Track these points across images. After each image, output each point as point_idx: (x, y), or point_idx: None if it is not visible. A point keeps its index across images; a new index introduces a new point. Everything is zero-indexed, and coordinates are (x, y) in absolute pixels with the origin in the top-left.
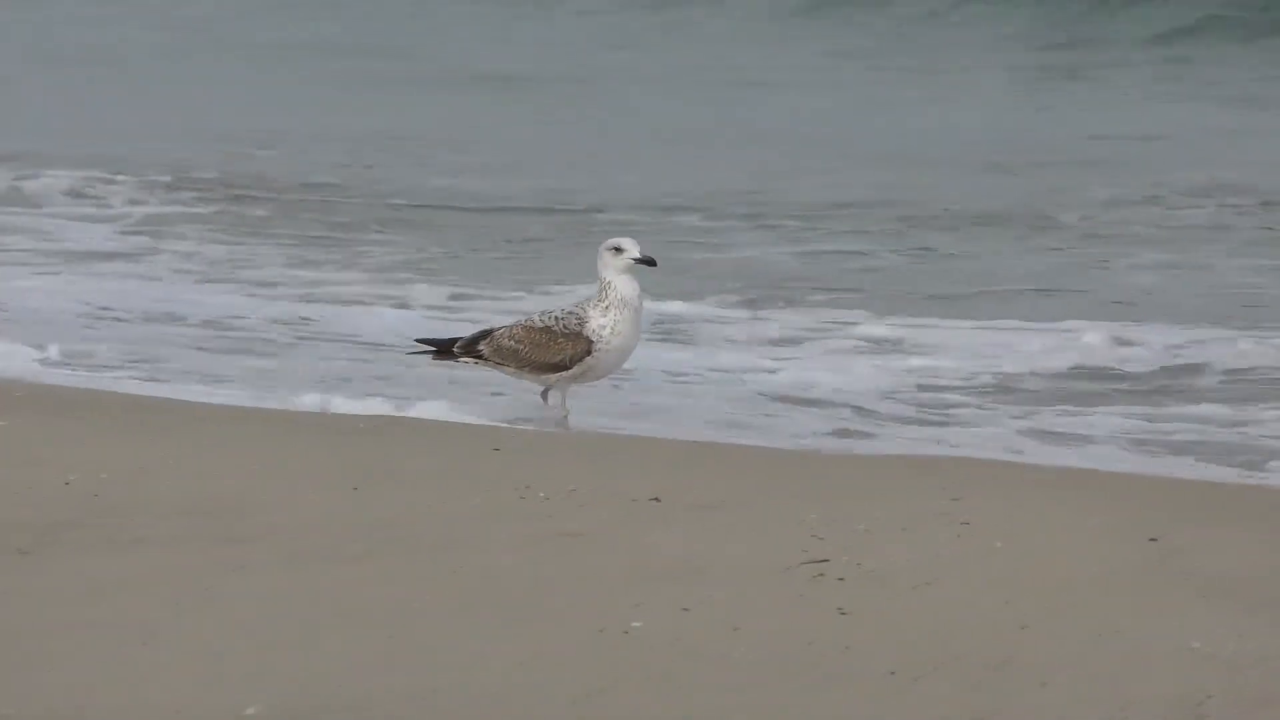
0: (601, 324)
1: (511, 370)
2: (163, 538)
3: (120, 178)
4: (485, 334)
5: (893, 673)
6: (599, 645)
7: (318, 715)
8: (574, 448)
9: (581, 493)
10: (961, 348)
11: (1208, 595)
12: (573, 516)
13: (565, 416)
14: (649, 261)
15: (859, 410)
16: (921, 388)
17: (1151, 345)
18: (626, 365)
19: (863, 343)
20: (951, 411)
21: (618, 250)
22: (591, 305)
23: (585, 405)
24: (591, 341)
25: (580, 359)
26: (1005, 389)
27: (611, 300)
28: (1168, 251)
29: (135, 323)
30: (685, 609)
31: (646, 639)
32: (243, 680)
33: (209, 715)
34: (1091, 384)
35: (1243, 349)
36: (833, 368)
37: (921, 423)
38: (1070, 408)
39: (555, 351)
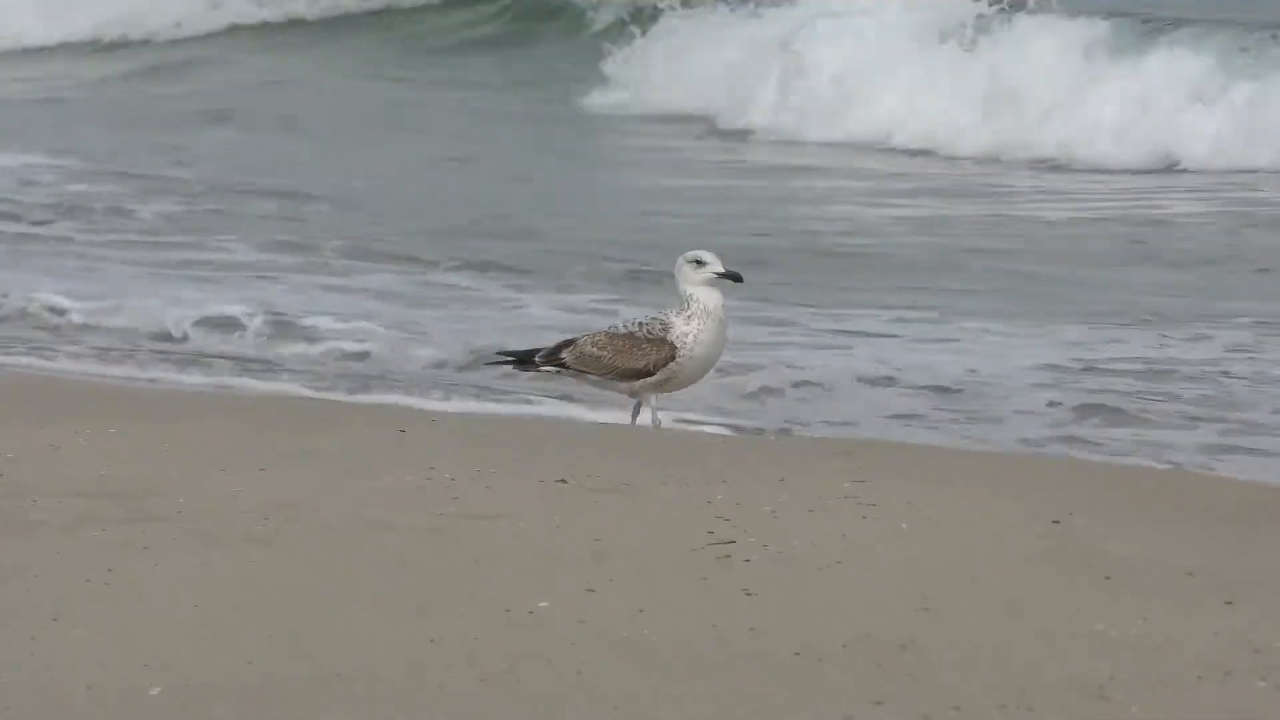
0: (685, 331)
1: (595, 378)
2: (68, 519)
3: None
4: (568, 342)
5: (798, 654)
6: (505, 626)
7: (222, 697)
8: (480, 430)
9: (488, 474)
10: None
11: (1112, 578)
12: (479, 498)
13: (658, 426)
14: (735, 277)
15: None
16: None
17: None
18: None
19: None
20: (864, 395)
21: (699, 264)
22: (675, 313)
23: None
24: (675, 347)
25: (664, 364)
26: (908, 372)
27: (695, 310)
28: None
29: None
30: (591, 590)
31: (552, 620)
32: (147, 661)
33: (113, 696)
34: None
35: (1145, 340)
36: None
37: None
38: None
39: (639, 357)
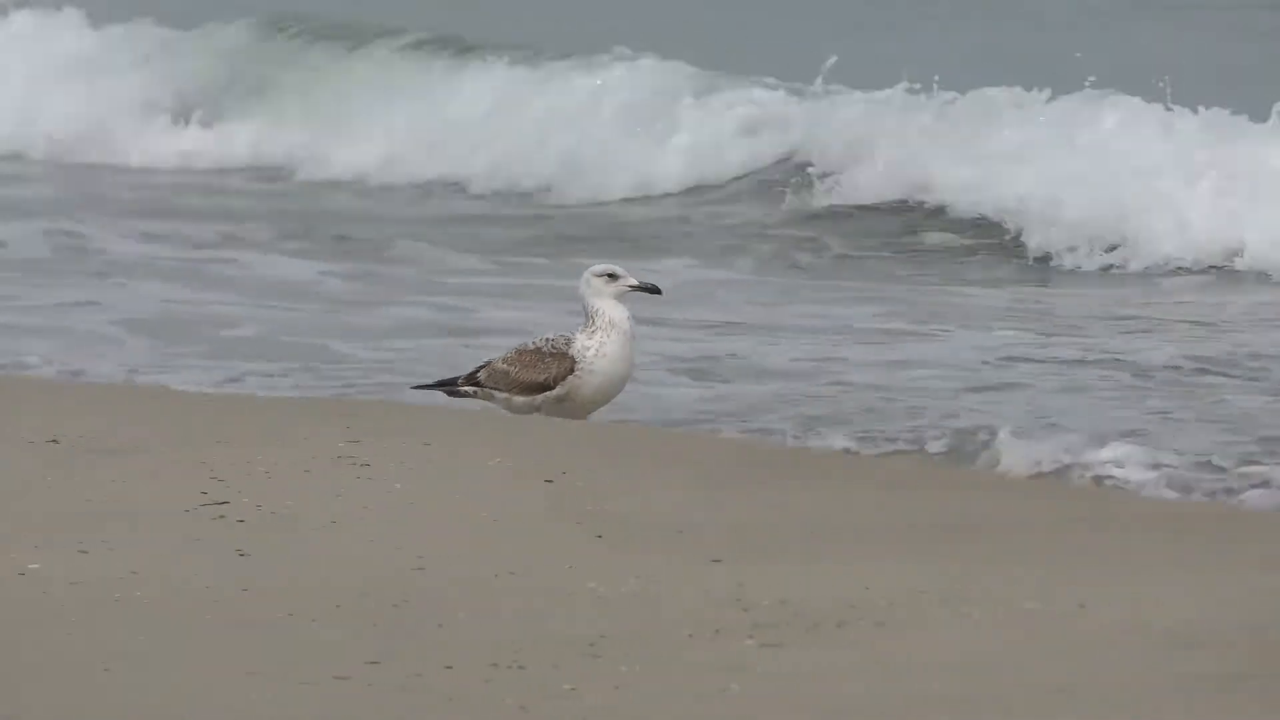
0: (587, 345)
1: (502, 395)
2: None
3: None
4: (486, 364)
5: (291, 614)
6: None
7: None
8: None
9: None
10: None
11: (604, 536)
12: None
13: None
14: (651, 289)
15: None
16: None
17: None
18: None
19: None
20: (362, 354)
21: (611, 277)
22: (580, 329)
23: None
24: (575, 361)
25: (563, 378)
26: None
27: (600, 324)
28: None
29: None
30: (83, 551)
31: (44, 582)
32: None
33: None
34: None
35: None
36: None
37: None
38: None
39: (541, 370)
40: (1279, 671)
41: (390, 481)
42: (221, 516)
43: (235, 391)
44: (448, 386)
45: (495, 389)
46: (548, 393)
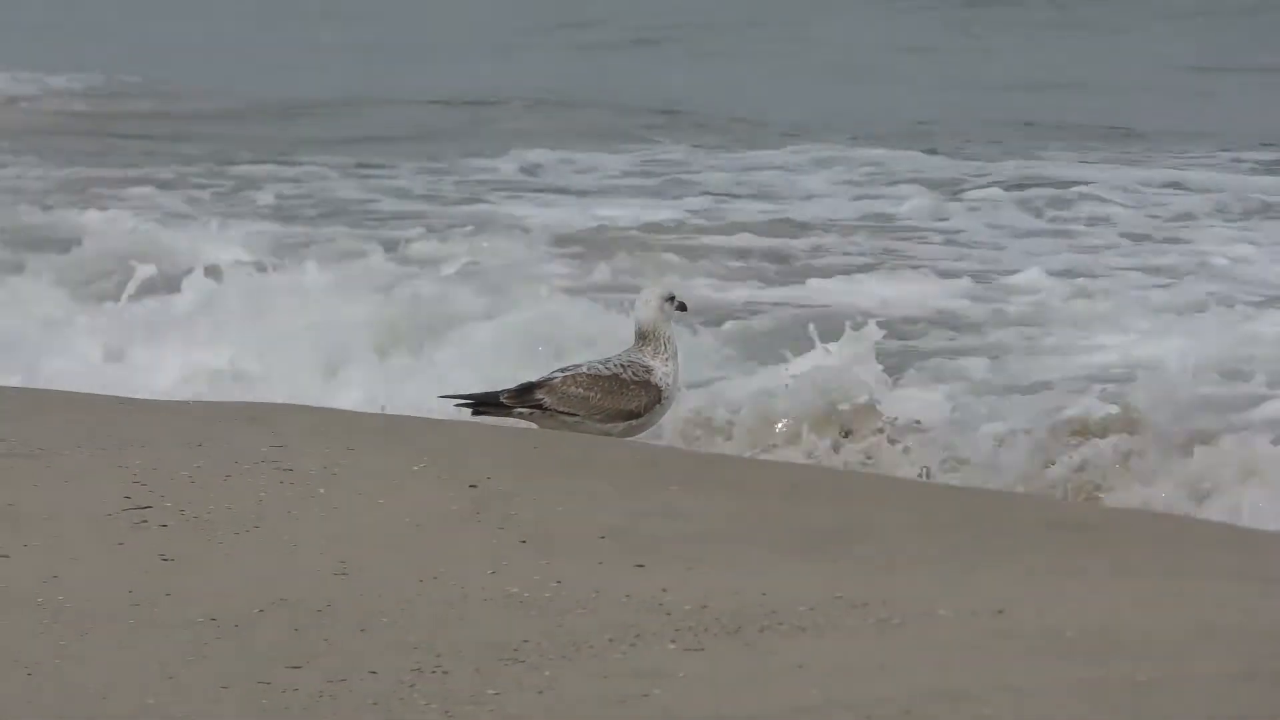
0: (666, 372)
1: (578, 418)
2: None
3: None
4: (539, 384)
5: (214, 619)
6: None
7: None
8: None
9: None
10: None
11: (527, 541)
12: None
13: None
14: (684, 307)
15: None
16: None
17: None
18: None
19: None
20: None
21: (673, 299)
22: (650, 354)
23: None
24: (660, 389)
25: (651, 407)
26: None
27: (670, 351)
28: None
29: None
30: (4, 555)
31: None
32: None
33: None
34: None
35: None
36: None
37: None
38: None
39: (629, 399)
40: (1191, 676)
41: (313, 486)
42: (144, 521)
43: (155, 397)
44: (486, 404)
45: (570, 414)
46: (632, 420)
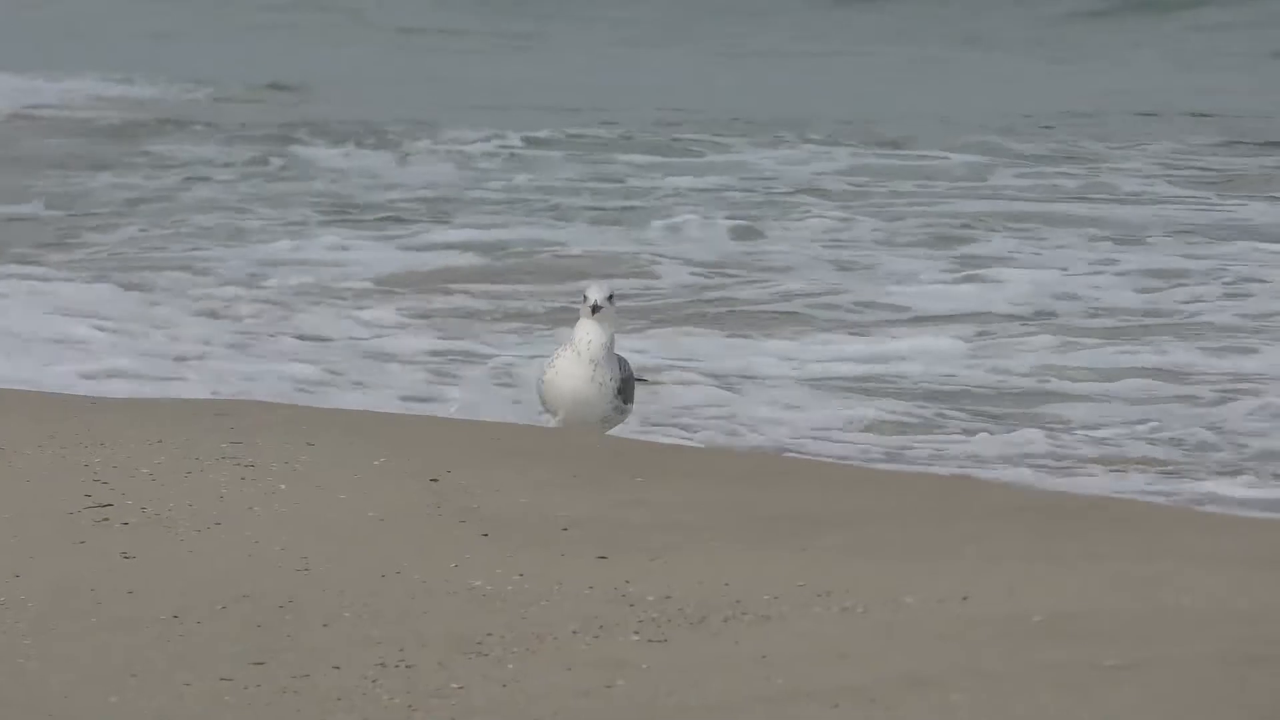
0: (550, 360)
1: None
2: None
3: None
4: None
5: (177, 616)
6: None
7: None
8: None
9: None
10: None
11: (490, 534)
12: None
13: None
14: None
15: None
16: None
17: None
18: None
19: None
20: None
21: (584, 297)
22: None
23: None
24: (543, 372)
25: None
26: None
27: (584, 349)
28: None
29: None
30: None
31: None
32: None
33: None
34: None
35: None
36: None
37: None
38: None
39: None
40: (1159, 661)
41: (274, 482)
42: (105, 519)
43: (113, 395)
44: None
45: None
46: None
